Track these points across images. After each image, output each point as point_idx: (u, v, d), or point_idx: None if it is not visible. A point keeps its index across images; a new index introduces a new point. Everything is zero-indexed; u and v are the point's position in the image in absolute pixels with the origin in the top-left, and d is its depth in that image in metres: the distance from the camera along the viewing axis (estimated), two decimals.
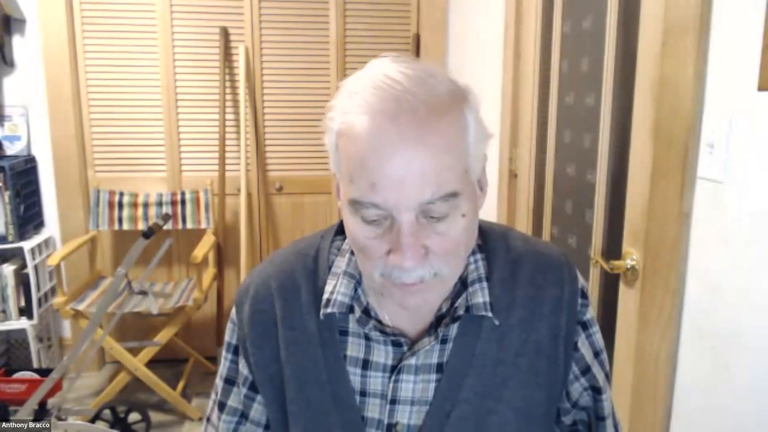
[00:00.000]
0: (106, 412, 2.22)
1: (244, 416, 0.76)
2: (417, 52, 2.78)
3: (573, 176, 1.63)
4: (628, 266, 1.27)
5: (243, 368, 0.75)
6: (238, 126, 2.78)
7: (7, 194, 2.43)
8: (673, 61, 1.08)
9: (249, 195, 2.83)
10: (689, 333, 1.09)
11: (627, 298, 1.32)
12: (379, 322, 0.70)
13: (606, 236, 1.44)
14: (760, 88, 0.88)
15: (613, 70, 1.37)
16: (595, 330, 0.76)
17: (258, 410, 0.75)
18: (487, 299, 0.69)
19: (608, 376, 0.77)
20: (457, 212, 0.59)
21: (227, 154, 2.76)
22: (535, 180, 1.93)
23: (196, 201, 2.71)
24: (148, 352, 2.41)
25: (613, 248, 1.40)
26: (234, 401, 0.77)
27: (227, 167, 2.76)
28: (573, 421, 0.79)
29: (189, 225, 2.71)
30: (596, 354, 0.76)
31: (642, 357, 1.20)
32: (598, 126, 1.43)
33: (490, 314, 0.69)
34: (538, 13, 1.87)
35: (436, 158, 0.56)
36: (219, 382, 0.78)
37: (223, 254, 2.81)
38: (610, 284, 1.40)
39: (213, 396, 0.80)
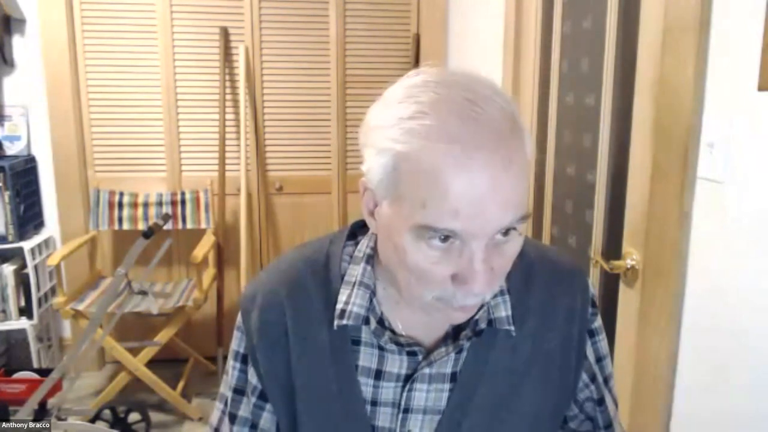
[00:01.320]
0: (106, 412, 2.22)
1: (254, 426, 0.75)
2: (417, 52, 2.78)
3: (573, 176, 1.63)
4: (628, 266, 1.27)
5: (252, 377, 0.74)
6: (238, 126, 2.78)
7: (7, 194, 2.43)
8: (673, 61, 1.08)
9: (249, 195, 2.83)
10: (689, 333, 1.09)
11: (627, 298, 1.32)
12: (393, 332, 0.69)
13: (606, 236, 1.44)
14: (760, 88, 0.88)
15: (613, 70, 1.37)
16: (602, 338, 0.76)
17: (268, 419, 0.74)
18: (510, 313, 0.69)
19: (607, 380, 0.78)
20: (518, 231, 0.58)
21: (227, 154, 2.76)
22: (535, 180, 1.93)
23: (196, 201, 2.71)
24: (148, 352, 2.40)
25: (613, 248, 1.40)
26: (245, 411, 0.75)
27: (227, 167, 2.76)
28: (579, 427, 0.79)
29: (189, 225, 2.71)
30: (598, 359, 0.76)
31: (642, 357, 1.20)
32: (598, 126, 1.43)
33: (512, 328, 0.68)
34: (538, 13, 1.87)
35: (518, 183, 0.55)
36: (228, 393, 0.76)
37: (223, 254, 2.80)
38: (610, 284, 1.40)
39: (221, 406, 0.78)
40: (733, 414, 0.98)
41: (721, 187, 0.99)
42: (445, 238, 0.56)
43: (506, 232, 0.57)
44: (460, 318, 0.63)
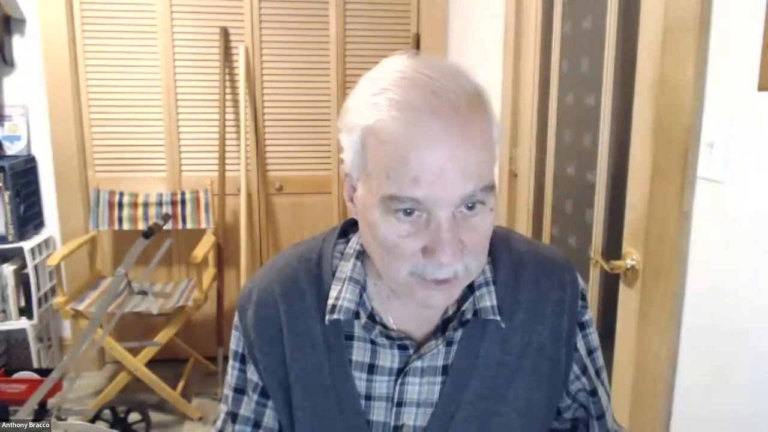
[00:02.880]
0: (106, 412, 2.22)
1: (257, 424, 0.75)
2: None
3: (573, 176, 1.63)
4: (628, 266, 1.27)
5: (252, 375, 0.74)
6: (238, 126, 2.78)
7: (7, 194, 2.43)
8: (673, 61, 1.08)
9: (249, 195, 2.83)
10: (689, 333, 1.09)
11: (627, 298, 1.32)
12: (384, 326, 0.70)
13: (606, 236, 1.44)
14: (760, 88, 0.88)
15: (613, 70, 1.37)
16: (592, 330, 0.77)
17: (270, 416, 0.75)
18: (495, 303, 0.69)
19: (599, 372, 0.78)
20: (487, 206, 0.60)
21: (227, 154, 2.76)
22: (535, 180, 1.93)
23: (196, 201, 2.71)
24: (148, 352, 2.41)
25: (613, 248, 1.40)
26: (246, 410, 0.76)
27: (227, 167, 2.76)
28: (574, 416, 0.79)
29: (189, 225, 2.71)
30: (590, 352, 0.77)
31: (642, 357, 1.20)
32: (598, 126, 1.43)
33: (498, 318, 0.69)
34: (538, 13, 1.87)
35: (477, 152, 0.57)
36: (229, 393, 0.77)
37: (223, 254, 2.81)
38: (610, 284, 1.40)
39: (224, 407, 0.79)
40: (733, 414, 0.98)
41: (721, 187, 0.99)
42: (411, 211, 0.58)
43: (473, 206, 0.59)
44: (438, 298, 0.63)
